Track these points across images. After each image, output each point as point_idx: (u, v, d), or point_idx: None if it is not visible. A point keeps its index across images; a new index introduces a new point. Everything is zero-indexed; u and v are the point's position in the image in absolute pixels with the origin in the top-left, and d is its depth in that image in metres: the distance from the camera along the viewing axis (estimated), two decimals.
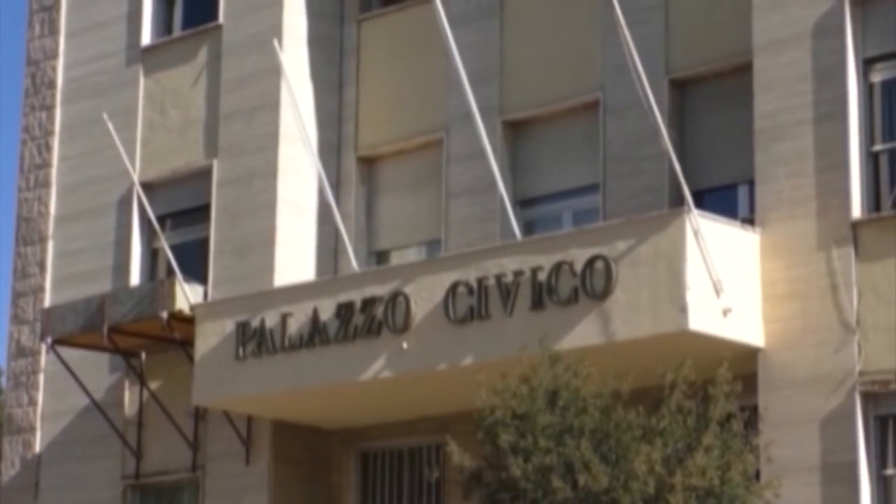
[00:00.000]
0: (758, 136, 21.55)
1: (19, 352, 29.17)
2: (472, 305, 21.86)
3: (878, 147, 20.93)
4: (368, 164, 26.97)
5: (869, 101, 21.07)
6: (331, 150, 26.64)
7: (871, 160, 20.90)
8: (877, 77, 21.16)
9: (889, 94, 21.10)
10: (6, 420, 29.54)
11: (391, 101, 26.68)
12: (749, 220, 21.61)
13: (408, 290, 22.63)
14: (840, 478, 20.02)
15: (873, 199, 20.76)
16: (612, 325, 20.74)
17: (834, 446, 20.14)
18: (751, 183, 21.89)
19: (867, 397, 20.14)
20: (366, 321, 22.86)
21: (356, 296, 23.14)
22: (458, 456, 19.28)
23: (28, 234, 29.48)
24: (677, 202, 21.28)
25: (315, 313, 23.38)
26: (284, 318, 23.70)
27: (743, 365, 20.14)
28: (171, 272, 26.02)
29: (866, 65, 21.13)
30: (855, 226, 20.51)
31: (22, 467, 28.65)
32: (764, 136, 21.49)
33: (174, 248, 26.47)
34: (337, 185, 26.11)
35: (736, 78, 22.45)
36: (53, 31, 29.86)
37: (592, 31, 23.54)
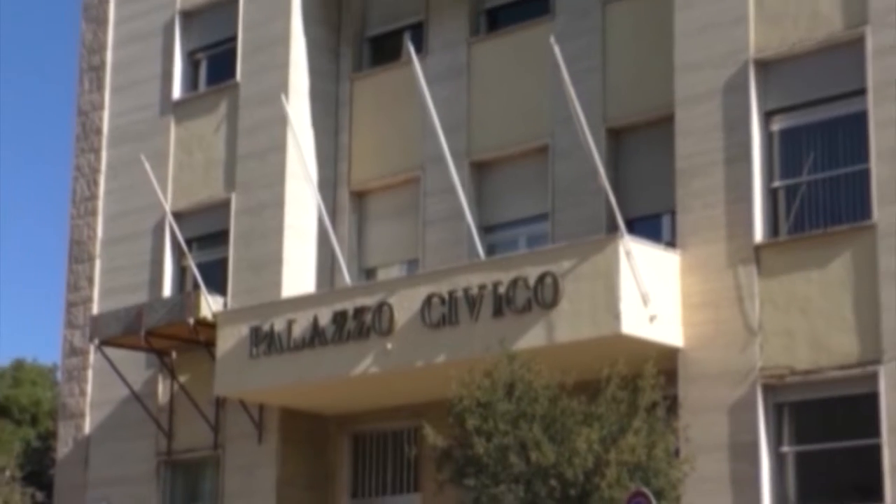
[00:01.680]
0: (678, 174, 21.70)
1: (72, 351, 29.13)
2: (444, 313, 21.93)
3: (776, 184, 21.05)
4: (359, 197, 27.00)
5: (769, 146, 21.17)
6: (328, 186, 26.62)
7: (771, 195, 21.02)
8: (776, 126, 21.28)
9: (785, 141, 21.19)
10: (61, 407, 29.49)
11: (378, 145, 26.73)
12: (671, 244, 21.74)
13: (391, 300, 22.69)
14: (744, 455, 20.15)
15: (772, 227, 20.89)
16: (558, 330, 20.82)
17: (739, 429, 20.27)
18: (672, 213, 21.99)
19: (766, 388, 20.26)
20: (357, 326, 22.89)
21: (349, 305, 23.17)
22: (432, 437, 19.37)
23: (79, 254, 29.44)
24: (612, 229, 21.24)
25: (315, 320, 23.42)
26: (290, 324, 23.73)
27: (665, 362, 20.23)
28: (196, 286, 26.02)
29: (767, 116, 21.26)
30: (757, 248, 20.67)
31: (74, 446, 28.61)
32: (683, 174, 21.63)
33: (199, 266, 26.48)
34: (333, 214, 26.08)
35: (660, 126, 22.51)
36: (100, 88, 29.85)
37: (543, 88, 23.57)
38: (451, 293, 21.96)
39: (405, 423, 23.83)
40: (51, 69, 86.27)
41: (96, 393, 28.42)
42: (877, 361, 19.38)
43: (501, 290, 21.37)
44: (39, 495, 29.87)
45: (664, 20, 22.41)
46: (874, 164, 19.93)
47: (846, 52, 20.59)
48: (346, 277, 25.09)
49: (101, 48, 30.12)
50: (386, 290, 23.21)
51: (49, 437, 35.56)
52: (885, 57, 20.05)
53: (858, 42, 20.40)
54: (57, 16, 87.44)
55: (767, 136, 21.25)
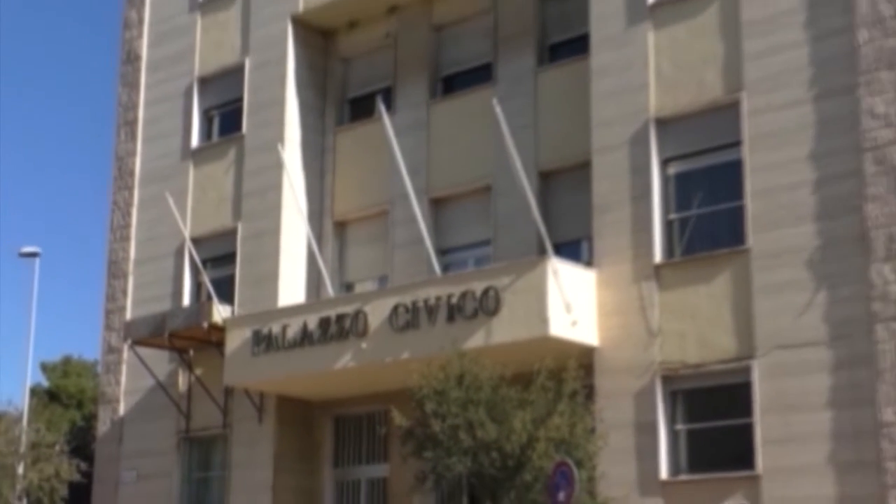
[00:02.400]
0: (595, 209, 21.78)
1: (109, 349, 28.98)
2: (408, 319, 21.94)
3: (672, 216, 21.18)
4: (340, 226, 26.93)
5: (666, 187, 21.29)
6: (315, 217, 26.55)
7: (668, 225, 21.16)
8: (671, 171, 21.44)
9: (679, 182, 21.38)
10: (101, 394, 29.33)
11: (355, 184, 26.69)
12: (589, 263, 21.80)
13: (366, 308, 22.68)
14: (646, 431, 20.27)
15: (669, 250, 21.03)
16: (499, 333, 20.85)
17: (642, 411, 20.38)
18: (590, 239, 22.09)
19: (664, 379, 20.39)
20: (338, 330, 22.85)
21: (331, 313, 23.13)
22: (399, 419, 19.41)
23: (115, 271, 29.29)
24: (542, 252, 21.32)
25: (304, 324, 23.36)
26: (284, 328, 23.66)
27: (584, 358, 20.41)
28: (209, 297, 25.89)
29: (664, 163, 21.39)
30: (657, 268, 20.80)
31: (111, 425, 28.43)
32: (599, 209, 21.71)
33: (212, 281, 26.40)
34: (319, 240, 25.95)
35: (581, 171, 22.54)
36: (133, 138, 29.75)
37: (487, 140, 23.49)
38: (413, 303, 21.99)
39: (377, 408, 23.75)
40: (94, 124, 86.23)
41: (129, 383, 28.26)
42: (751, 357, 19.57)
43: (454, 300, 21.42)
44: (83, 465, 29.54)
45: (583, 86, 22.56)
46: (748, 201, 20.13)
47: (726, 112, 20.76)
48: (330, 290, 25.10)
49: (135, 107, 30.05)
50: (361, 301, 23.22)
51: (91, 419, 35.31)
52: (757, 116, 20.26)
53: (735, 104, 20.60)
54: (99, 81, 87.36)
55: (664, 179, 21.42)
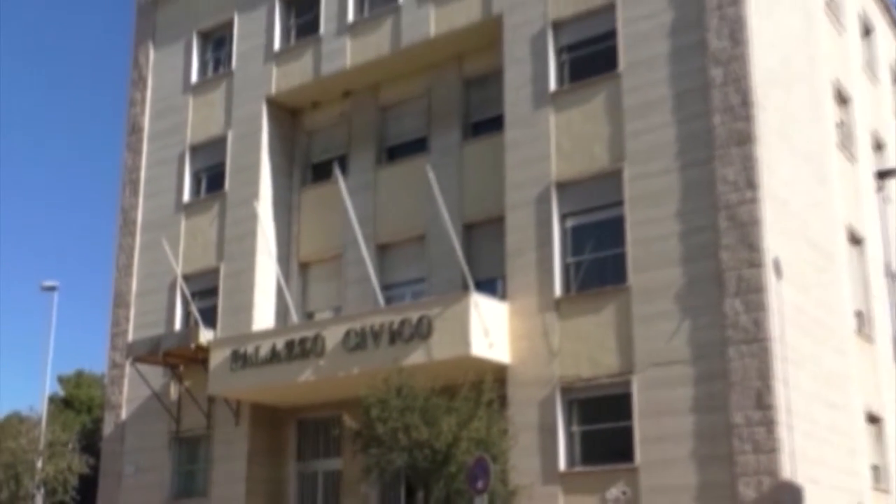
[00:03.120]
0: (508, 254, 21.88)
1: (114, 365, 28.46)
2: (357, 342, 21.80)
3: (569, 260, 21.25)
4: (304, 266, 26.65)
5: (564, 237, 21.37)
6: (283, 259, 26.24)
7: (566, 267, 21.24)
8: (568, 224, 21.51)
9: (574, 233, 21.41)
10: (107, 402, 28.89)
11: (316, 233, 26.47)
12: (503, 297, 21.76)
13: (324, 333, 22.52)
14: (548, 432, 20.28)
15: (566, 287, 21.09)
16: (431, 352, 20.80)
17: (546, 416, 20.39)
18: (504, 278, 22.06)
19: (563, 390, 20.42)
20: (300, 350, 22.67)
21: (296, 336, 22.98)
22: (349, 422, 19.41)
23: (120, 302, 28.78)
24: (465, 288, 21.30)
25: (273, 346, 23.16)
26: (257, 348, 23.42)
27: (499, 373, 20.42)
28: (196, 323, 25.56)
29: (563, 218, 21.50)
30: (557, 301, 20.89)
31: (115, 427, 27.88)
32: (512, 253, 21.79)
33: (199, 310, 26.07)
34: (286, 277, 25.75)
35: (497, 223, 22.55)
36: (136, 194, 29.38)
37: (422, 197, 23.47)
38: (362, 328, 21.86)
39: (332, 413, 23.49)
40: (104, 182, 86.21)
41: (130, 392, 27.75)
42: (631, 372, 19.71)
43: (394, 326, 21.34)
44: (91, 460, 29.13)
45: (499, 156, 22.70)
46: (629, 248, 20.35)
47: (611, 178, 20.93)
48: (294, 318, 24.90)
49: (137, 168, 29.74)
50: (320, 327, 23.02)
51: (98, 422, 34.74)
52: (635, 181, 20.51)
53: (618, 172, 20.82)
54: (109, 148, 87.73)
55: (563, 231, 21.51)
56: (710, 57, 20.06)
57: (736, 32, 19.91)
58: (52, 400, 38.92)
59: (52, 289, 33.27)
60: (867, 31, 28.62)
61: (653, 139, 20.42)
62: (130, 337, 27.93)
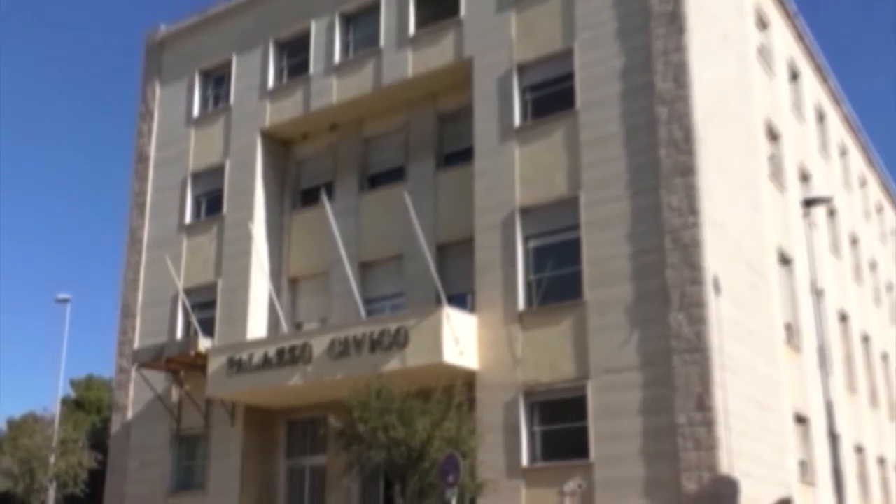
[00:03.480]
0: (477, 271, 21.83)
1: (121, 370, 28.12)
2: (341, 349, 21.73)
3: (531, 278, 21.23)
4: (293, 282, 26.48)
5: (527, 256, 21.35)
6: (275, 275, 26.17)
7: (528, 284, 21.20)
8: (531, 245, 21.49)
9: (536, 253, 21.38)
10: (114, 403, 28.58)
11: (305, 252, 26.29)
12: (472, 310, 21.70)
13: (311, 342, 22.44)
14: (512, 432, 20.24)
15: (529, 301, 21.07)
16: (408, 359, 20.72)
17: (510, 417, 20.34)
18: (473, 293, 21.99)
19: (525, 394, 20.39)
20: (290, 357, 22.56)
21: (286, 345, 22.86)
22: (334, 422, 19.23)
23: (127, 313, 28.47)
24: (439, 302, 21.22)
25: (266, 353, 23.06)
26: (251, 355, 23.30)
27: (468, 378, 20.42)
28: (196, 332, 25.35)
29: (526, 240, 21.49)
30: (520, 314, 20.88)
31: (121, 426, 27.56)
32: (480, 271, 21.76)
33: (199, 321, 25.84)
34: (278, 292, 25.69)
35: (467, 244, 22.46)
36: (142, 216, 29.14)
37: (400, 221, 23.32)
38: (345, 338, 21.78)
39: (318, 414, 23.34)
40: (114, 206, 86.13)
41: (135, 395, 27.45)
42: (586, 378, 19.71)
43: (374, 336, 21.28)
44: (100, 456, 28.79)
45: (469, 184, 22.70)
46: (585, 267, 20.38)
47: (569, 204, 20.98)
48: (284, 328, 24.82)
49: (144, 193, 29.52)
50: (307, 336, 22.91)
51: (106, 422, 34.32)
52: (590, 207, 20.58)
53: (576, 199, 20.88)
54: (118, 175, 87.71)
55: (526, 251, 21.50)
56: (657, 97, 20.20)
57: (679, 76, 20.07)
58: (64, 401, 38.46)
59: (65, 301, 33.00)
60: (794, 76, 28.93)
61: (606, 170, 20.49)
62: (136, 345, 27.64)
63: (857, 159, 36.26)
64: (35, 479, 28.35)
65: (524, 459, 20.04)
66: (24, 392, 73.38)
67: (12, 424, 36.97)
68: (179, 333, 27.11)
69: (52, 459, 28.85)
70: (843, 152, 34.25)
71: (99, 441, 32.40)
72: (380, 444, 18.21)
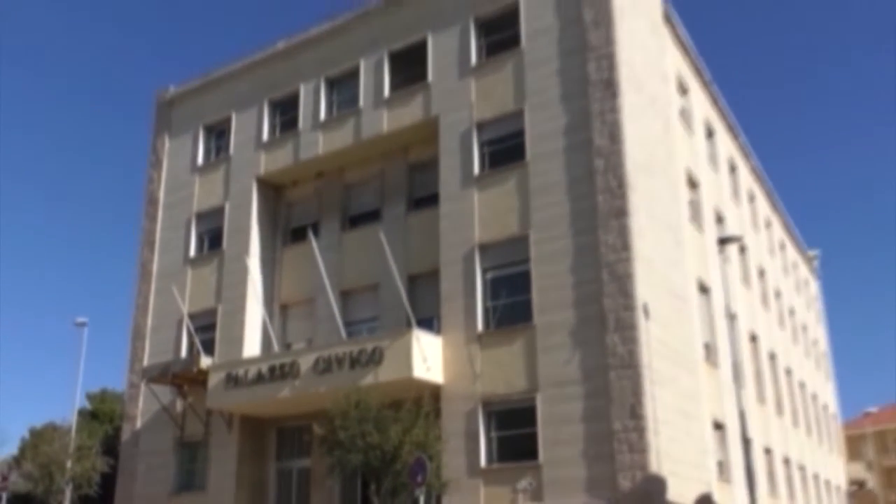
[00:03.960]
0: (442, 299, 21.77)
1: (132, 385, 27.66)
2: (325, 366, 21.57)
3: (489, 304, 21.19)
4: (284, 308, 26.23)
5: (485, 286, 21.32)
6: (268, 302, 25.93)
7: (486, 310, 21.14)
8: (488, 276, 21.45)
9: (493, 284, 21.35)
10: (125, 414, 28.04)
11: (293, 282, 26.07)
12: (438, 332, 21.62)
13: (299, 360, 22.25)
14: (472, 437, 20.12)
15: (486, 325, 21.01)
16: (382, 375, 20.60)
17: (471, 424, 20.23)
18: (439, 318, 21.90)
19: (483, 404, 20.29)
20: (280, 373, 22.35)
21: (276, 362, 22.67)
22: (318, 430, 19.13)
23: (137, 335, 28.03)
24: (409, 325, 21.18)
25: (259, 369, 22.82)
26: (246, 371, 23.07)
27: (434, 391, 20.37)
28: (198, 352, 24.99)
29: (484, 271, 21.46)
30: (479, 335, 20.84)
31: (131, 434, 27.04)
32: (445, 299, 21.69)
33: (201, 342, 25.50)
34: (270, 316, 25.51)
35: (433, 275, 22.46)
36: (152, 251, 28.77)
37: (376, 255, 23.24)
38: (328, 356, 21.65)
39: (304, 422, 23.17)
40: (127, 242, 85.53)
41: (144, 407, 27.01)
42: (536, 391, 19.71)
43: (354, 355, 21.19)
44: (111, 461, 28.18)
45: (435, 224, 22.74)
46: (534, 296, 20.44)
47: (520, 242, 21.04)
48: (276, 348, 24.62)
49: (153, 231, 29.22)
50: (295, 355, 22.72)
51: (118, 430, 33.64)
52: (539, 244, 20.69)
53: (526, 237, 20.98)
54: (131, 215, 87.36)
55: (484, 281, 21.50)
56: (595, 151, 20.44)
57: (613, 133, 20.35)
58: (80, 412, 37.65)
59: (83, 324, 32.43)
60: (710, 134, 29.42)
61: (552, 212, 20.65)
62: (145, 362, 27.23)
63: (763, 204, 36.85)
64: (53, 481, 27.69)
65: (482, 461, 19.94)
66: (46, 404, 72.36)
67: (34, 433, 36.19)
68: (184, 352, 26.76)
69: (68, 464, 28.18)
70: (752, 198, 34.80)
71: (111, 447, 31.73)
72: (358, 449, 18.11)
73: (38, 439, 29.90)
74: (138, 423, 27.13)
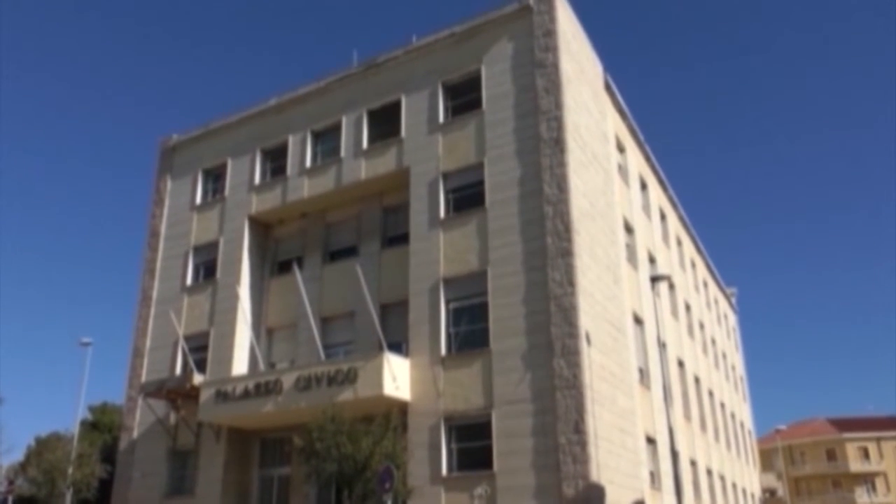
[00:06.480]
0: (410, 325, 21.63)
1: (130, 399, 26.99)
2: (305, 384, 21.28)
3: (451, 330, 21.12)
4: (270, 331, 25.88)
5: (448, 316, 21.30)
6: (255, 326, 25.60)
7: (448, 335, 21.09)
8: (451, 307, 21.39)
9: (455, 313, 21.27)
10: (123, 425, 27.36)
11: (279, 309, 25.80)
12: (406, 355, 21.46)
13: (282, 378, 21.92)
14: (435, 448, 19.94)
15: (449, 349, 20.93)
16: (357, 392, 20.38)
17: (434, 437, 20.06)
18: (407, 342, 21.77)
19: (446, 419, 20.14)
20: (265, 389, 22.03)
21: (262, 380, 22.32)
22: (297, 441, 18.83)
23: (136, 354, 27.43)
24: (380, 348, 21.01)
25: (246, 386, 22.46)
26: (234, 388, 22.69)
27: (402, 407, 20.17)
28: (191, 370, 24.62)
29: (447, 302, 21.42)
30: (443, 358, 20.74)
31: (128, 443, 26.33)
32: (413, 325, 21.55)
33: (194, 361, 25.14)
34: (257, 338, 25.24)
35: (403, 305, 22.34)
36: (152, 279, 28.37)
37: (352, 286, 23.16)
38: (309, 375, 21.40)
39: (285, 434, 22.87)
40: (129, 271, 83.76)
41: (140, 419, 26.38)
42: (491, 408, 19.62)
43: (331, 374, 20.97)
44: (109, 468, 27.43)
45: (405, 260, 22.74)
46: (490, 324, 20.45)
47: (479, 277, 21.09)
48: (262, 367, 24.25)
49: (154, 261, 28.80)
50: (279, 373, 22.37)
51: (116, 440, 32.79)
52: (496, 279, 20.75)
53: (484, 273, 21.02)
54: (134, 248, 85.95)
55: (448, 311, 21.46)
56: (545, 199, 20.68)
57: (561, 184, 20.63)
58: (82, 423, 36.79)
59: (87, 344, 31.67)
60: (644, 186, 29.92)
61: (507, 252, 20.77)
62: (143, 378, 26.66)
63: (689, 247, 37.45)
64: (55, 486, 26.88)
65: (444, 470, 19.77)
66: (51, 415, 70.81)
67: (39, 441, 35.06)
68: (178, 370, 26.24)
69: (70, 470, 27.39)
70: (679, 242, 35.36)
71: (109, 455, 30.88)
72: (333, 458, 17.89)
73: (43, 447, 29.00)
74: (135, 434, 26.47)
